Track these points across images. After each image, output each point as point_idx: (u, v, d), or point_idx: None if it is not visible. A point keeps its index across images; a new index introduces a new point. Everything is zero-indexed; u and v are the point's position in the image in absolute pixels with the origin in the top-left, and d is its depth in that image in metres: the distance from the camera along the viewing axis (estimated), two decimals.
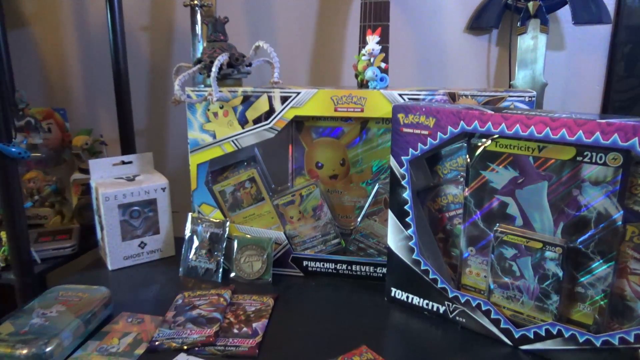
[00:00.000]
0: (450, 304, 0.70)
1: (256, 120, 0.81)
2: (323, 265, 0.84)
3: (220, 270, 0.84)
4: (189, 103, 0.83)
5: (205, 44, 0.90)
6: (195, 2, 1.02)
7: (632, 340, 0.55)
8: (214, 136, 0.83)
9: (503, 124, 0.61)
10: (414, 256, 0.72)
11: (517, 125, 0.60)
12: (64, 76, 1.33)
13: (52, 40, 1.31)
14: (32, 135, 1.13)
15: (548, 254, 0.61)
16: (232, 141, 0.83)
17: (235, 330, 0.67)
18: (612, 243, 0.57)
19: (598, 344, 0.57)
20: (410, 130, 0.69)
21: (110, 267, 0.88)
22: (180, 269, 0.86)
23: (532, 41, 0.99)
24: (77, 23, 1.28)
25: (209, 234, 0.86)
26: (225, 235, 0.85)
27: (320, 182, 0.85)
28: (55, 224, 1.09)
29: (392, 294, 0.77)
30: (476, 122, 0.63)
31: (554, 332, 0.60)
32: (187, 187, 0.88)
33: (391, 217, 0.74)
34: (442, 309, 0.71)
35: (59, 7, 1.28)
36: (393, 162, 0.72)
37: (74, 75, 1.32)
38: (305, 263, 0.85)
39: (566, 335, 0.59)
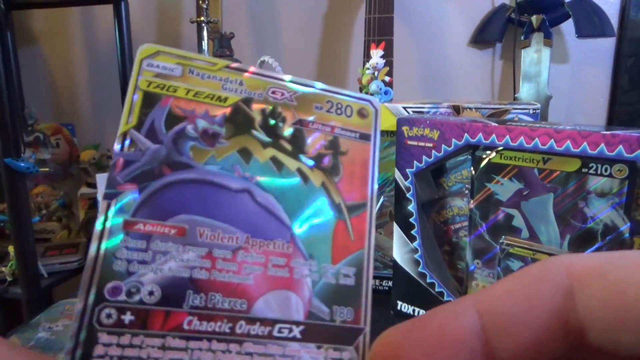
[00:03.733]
0: None
1: None
2: None
3: None
4: None
5: None
6: (202, 18, 1.04)
7: None
8: None
9: (507, 136, 0.61)
10: (419, 269, 0.72)
11: (522, 137, 0.60)
12: (72, 92, 1.34)
13: (61, 56, 1.33)
14: (41, 150, 1.14)
15: None
16: None
17: None
18: None
19: None
20: (415, 143, 0.70)
21: None
22: None
23: (536, 54, 1.00)
24: (85, 40, 1.30)
25: None
26: None
27: None
28: (62, 238, 1.09)
29: (398, 308, 0.76)
30: (480, 134, 0.63)
31: None
32: None
33: (396, 229, 0.74)
34: None
35: (68, 24, 1.30)
36: (398, 175, 0.72)
37: (82, 91, 1.34)
38: None
39: None
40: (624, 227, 0.56)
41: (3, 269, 0.93)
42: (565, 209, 0.60)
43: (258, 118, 0.20)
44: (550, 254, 0.60)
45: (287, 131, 0.20)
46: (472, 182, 0.67)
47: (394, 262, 0.75)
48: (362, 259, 0.20)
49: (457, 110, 0.73)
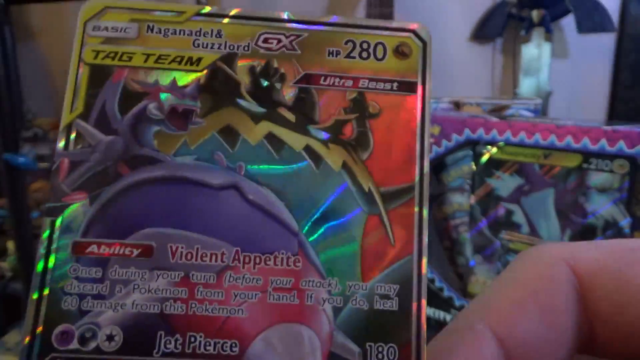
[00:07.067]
0: (457, 313, 0.69)
1: None
2: None
3: None
4: None
5: None
6: None
7: None
8: None
9: (508, 132, 0.61)
10: None
11: (522, 132, 0.60)
12: None
13: (60, 51, 1.32)
14: (40, 145, 1.14)
15: None
16: None
17: None
18: None
19: None
20: None
21: None
22: None
23: (537, 50, 1.00)
24: None
25: None
26: None
27: None
28: None
29: None
30: (481, 129, 0.63)
31: None
32: None
33: None
34: (448, 318, 0.70)
35: (67, 19, 1.29)
36: None
37: None
38: None
39: None
40: (624, 222, 0.56)
41: (2, 264, 0.93)
42: (566, 205, 0.60)
43: (246, 81, 0.15)
44: None
45: (289, 94, 0.15)
46: (473, 178, 0.67)
47: None
48: (409, 271, 0.14)
49: (457, 105, 0.73)
